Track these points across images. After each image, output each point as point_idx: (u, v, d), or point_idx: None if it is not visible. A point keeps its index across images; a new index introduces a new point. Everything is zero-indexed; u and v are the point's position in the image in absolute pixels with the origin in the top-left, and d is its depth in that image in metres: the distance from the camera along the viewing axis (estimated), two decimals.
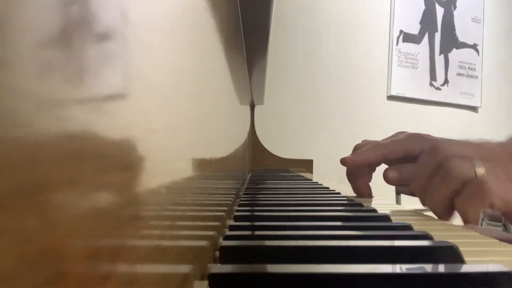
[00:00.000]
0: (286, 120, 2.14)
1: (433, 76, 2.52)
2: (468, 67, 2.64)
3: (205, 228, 0.23)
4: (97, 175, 0.09)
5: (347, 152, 0.59)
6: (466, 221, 0.41)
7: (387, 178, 0.51)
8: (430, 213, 0.46)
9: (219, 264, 0.24)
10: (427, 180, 0.45)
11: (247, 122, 0.94)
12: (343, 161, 0.57)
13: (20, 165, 0.06)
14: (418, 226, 0.34)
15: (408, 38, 2.44)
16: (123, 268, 0.10)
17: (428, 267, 0.22)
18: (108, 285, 0.09)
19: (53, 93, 0.07)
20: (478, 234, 0.35)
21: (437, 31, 2.55)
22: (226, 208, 0.35)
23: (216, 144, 0.30)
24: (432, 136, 0.50)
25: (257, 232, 0.31)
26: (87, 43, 0.09)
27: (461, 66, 2.62)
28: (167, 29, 0.16)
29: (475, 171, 0.41)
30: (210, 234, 0.25)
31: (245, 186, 0.69)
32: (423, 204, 0.46)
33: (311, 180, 0.89)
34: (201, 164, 0.23)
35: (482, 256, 0.28)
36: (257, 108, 1.35)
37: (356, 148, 0.59)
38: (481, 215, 2.26)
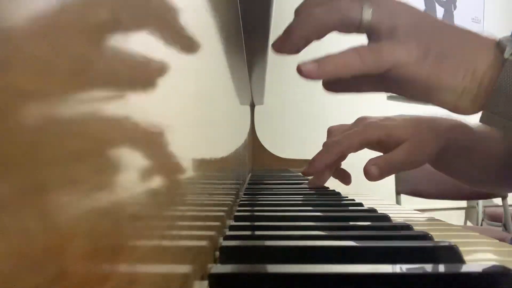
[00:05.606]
0: (286, 120, 2.14)
1: None
2: None
3: (205, 228, 0.23)
4: (97, 175, 0.09)
5: None
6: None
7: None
8: (430, 213, 0.46)
9: (219, 264, 0.24)
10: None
11: (247, 122, 0.94)
12: (305, 173, 0.55)
13: (20, 165, 0.06)
14: (418, 226, 0.34)
15: None
16: (123, 268, 0.10)
17: (428, 267, 0.22)
18: (108, 285, 0.09)
19: (53, 93, 0.07)
20: (478, 234, 0.35)
21: None
22: (226, 208, 0.35)
23: (216, 144, 0.30)
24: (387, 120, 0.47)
25: (257, 232, 0.31)
26: (87, 43, 0.09)
27: None
28: (167, 29, 0.16)
29: (361, 13, 0.33)
30: (210, 234, 0.25)
31: (245, 186, 0.69)
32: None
33: None
34: (201, 164, 0.23)
35: (482, 256, 0.28)
36: (257, 108, 1.35)
37: (329, 132, 0.57)
38: (481, 215, 2.26)
